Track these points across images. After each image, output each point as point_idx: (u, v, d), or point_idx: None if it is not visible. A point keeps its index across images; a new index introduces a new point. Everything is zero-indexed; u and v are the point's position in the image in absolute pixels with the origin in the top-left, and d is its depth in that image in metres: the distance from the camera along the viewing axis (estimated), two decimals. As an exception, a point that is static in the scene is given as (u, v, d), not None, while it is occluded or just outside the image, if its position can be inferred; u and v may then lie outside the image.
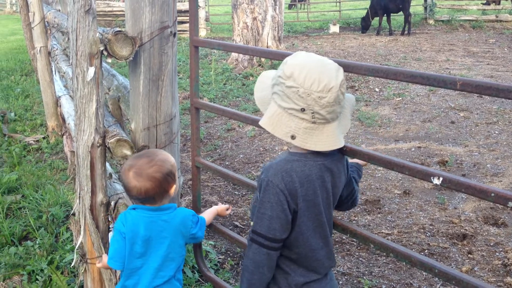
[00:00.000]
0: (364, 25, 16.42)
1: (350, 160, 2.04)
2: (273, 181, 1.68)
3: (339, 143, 1.69)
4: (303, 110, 1.62)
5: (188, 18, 2.62)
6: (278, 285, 1.82)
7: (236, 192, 4.81)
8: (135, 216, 2.14)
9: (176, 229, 2.16)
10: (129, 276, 2.18)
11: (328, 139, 1.67)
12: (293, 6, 25.30)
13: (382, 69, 1.67)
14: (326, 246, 1.84)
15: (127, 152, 2.39)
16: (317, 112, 1.62)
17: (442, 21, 17.75)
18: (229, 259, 3.64)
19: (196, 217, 2.27)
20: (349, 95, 1.79)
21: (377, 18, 16.22)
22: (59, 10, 5.96)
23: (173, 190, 2.16)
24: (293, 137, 1.65)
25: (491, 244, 3.82)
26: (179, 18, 14.14)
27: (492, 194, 1.44)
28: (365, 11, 16.82)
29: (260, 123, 1.70)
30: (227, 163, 5.59)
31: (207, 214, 2.48)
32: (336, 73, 1.64)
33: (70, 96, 5.15)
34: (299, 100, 1.61)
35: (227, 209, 2.57)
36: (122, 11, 16.42)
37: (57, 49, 5.67)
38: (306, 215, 1.73)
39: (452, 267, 3.52)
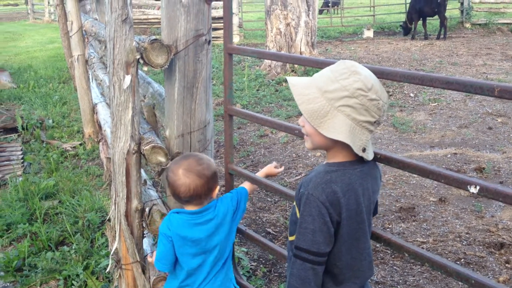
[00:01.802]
0: (404, 29, 16.24)
1: None
2: (314, 194, 1.65)
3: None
4: (375, 122, 1.63)
5: (221, 24, 2.65)
6: None
7: (268, 199, 4.81)
8: (180, 219, 2.20)
9: (222, 221, 2.24)
10: (191, 275, 2.26)
11: (371, 146, 1.73)
12: (324, 11, 25.25)
13: (417, 76, 1.64)
14: (368, 255, 1.81)
15: (162, 159, 2.42)
16: (379, 122, 1.66)
17: (479, 24, 17.40)
18: (261, 266, 3.64)
19: (235, 199, 2.36)
20: None
21: (419, 23, 16.00)
22: (96, 19, 6.09)
23: (216, 191, 2.22)
24: (364, 150, 1.66)
25: (531, 253, 3.72)
26: (213, 25, 14.29)
27: (532, 204, 1.41)
28: (400, 15, 16.64)
29: (337, 137, 1.62)
30: (260, 169, 5.58)
31: (248, 185, 2.56)
32: None
33: (107, 103, 5.25)
34: (376, 113, 1.62)
35: (276, 167, 2.63)
36: (157, 18, 16.67)
37: (94, 57, 5.79)
38: (349, 224, 1.70)
39: (489, 277, 3.44)
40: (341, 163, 1.71)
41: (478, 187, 1.52)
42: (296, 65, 10.46)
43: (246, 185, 2.54)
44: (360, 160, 1.72)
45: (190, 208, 2.20)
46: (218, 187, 2.22)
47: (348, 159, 1.70)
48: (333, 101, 1.61)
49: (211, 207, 2.22)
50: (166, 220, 2.23)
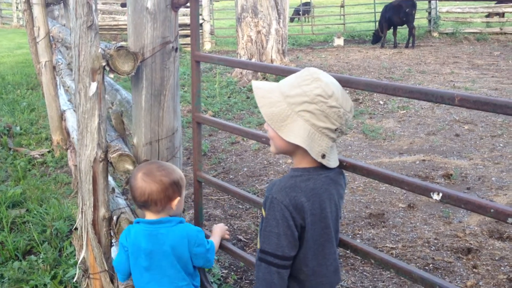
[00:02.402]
0: (375, 37, 16.49)
1: None
2: (277, 198, 1.66)
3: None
4: (336, 129, 1.65)
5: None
6: None
7: (240, 206, 4.80)
8: (137, 230, 2.17)
9: (176, 243, 2.13)
10: None
11: (336, 154, 1.76)
12: (295, 19, 25.47)
13: (380, 84, 1.67)
14: (334, 261, 1.82)
15: (129, 167, 2.39)
16: (342, 131, 1.67)
17: (447, 33, 17.79)
18: (232, 273, 3.63)
19: (202, 237, 2.21)
20: None
21: (389, 31, 16.28)
22: (64, 25, 6.02)
23: (175, 202, 2.16)
24: (323, 156, 1.67)
25: (496, 258, 3.79)
26: (185, 32, 14.23)
27: (492, 210, 1.44)
28: (369, 24, 16.88)
29: (294, 141, 1.64)
30: (231, 176, 5.59)
31: (215, 239, 2.44)
32: None
33: (75, 110, 5.18)
34: (337, 120, 1.63)
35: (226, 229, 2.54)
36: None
37: (62, 63, 5.71)
38: (314, 229, 1.70)
39: (457, 282, 3.50)
40: (306, 169, 1.72)
41: (441, 194, 1.55)
42: (268, 74, 10.51)
43: (215, 238, 2.44)
44: (325, 166, 1.73)
45: (149, 215, 2.18)
46: (179, 199, 2.17)
47: (313, 165, 1.72)
48: (293, 106, 1.63)
49: (171, 222, 2.15)
50: (125, 230, 2.22)
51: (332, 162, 1.72)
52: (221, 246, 2.57)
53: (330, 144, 1.67)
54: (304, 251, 1.72)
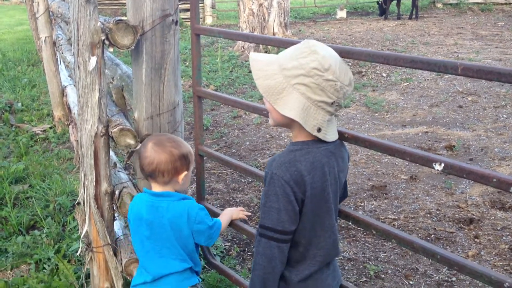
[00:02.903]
0: (381, 9, 16.23)
1: None
2: (278, 173, 1.66)
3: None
4: (333, 103, 1.62)
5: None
6: (281, 279, 1.78)
7: (242, 180, 4.82)
8: (141, 199, 2.20)
9: (176, 218, 2.13)
10: (143, 257, 2.22)
11: (335, 128, 1.74)
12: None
13: (382, 55, 1.65)
14: (333, 233, 1.82)
15: (131, 141, 2.39)
16: (340, 105, 1.65)
17: (451, 4, 17.57)
18: (235, 246, 3.66)
19: (203, 214, 2.18)
20: None
21: (393, 3, 16.04)
22: (64, 0, 5.95)
23: (182, 176, 2.16)
24: (319, 130, 1.65)
25: (498, 228, 3.81)
26: (186, 6, 14.11)
27: (494, 180, 1.43)
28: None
29: (288, 114, 1.62)
30: (234, 150, 5.59)
31: (223, 218, 2.39)
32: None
33: (75, 85, 5.16)
34: (333, 94, 1.60)
35: (242, 211, 2.49)
36: (128, -1, 16.37)
37: (62, 39, 5.67)
38: (314, 202, 1.70)
39: (458, 252, 3.52)
40: (305, 142, 1.71)
41: (442, 164, 1.54)
42: (269, 46, 10.43)
43: (223, 217, 2.38)
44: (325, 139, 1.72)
45: (155, 187, 2.18)
46: (186, 173, 2.16)
47: (312, 138, 1.70)
48: (289, 79, 1.62)
49: (173, 197, 2.15)
50: (132, 201, 2.24)
51: (329, 135, 1.70)
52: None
53: (327, 117, 1.65)
54: (303, 223, 1.73)
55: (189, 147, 2.22)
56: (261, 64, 1.69)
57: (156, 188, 2.18)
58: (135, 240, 2.24)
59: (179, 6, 2.38)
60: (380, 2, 16.18)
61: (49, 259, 3.36)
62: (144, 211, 2.16)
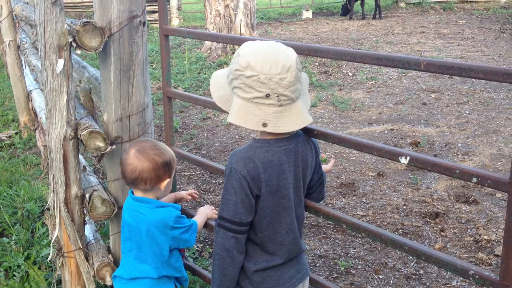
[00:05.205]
0: (344, 10, 16.40)
1: None
2: (236, 168, 1.73)
3: (308, 119, 1.74)
4: (268, 95, 1.64)
5: (157, 7, 2.62)
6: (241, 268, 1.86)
7: (213, 181, 4.83)
8: (127, 201, 2.23)
9: (152, 225, 2.12)
10: (124, 255, 2.25)
11: (298, 117, 1.70)
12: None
13: (348, 52, 1.70)
14: (292, 231, 1.87)
15: (100, 144, 2.38)
16: (282, 94, 1.64)
17: (413, 3, 17.91)
18: (207, 247, 3.67)
19: (179, 220, 2.16)
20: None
21: (357, 3, 16.24)
22: (27, 3, 5.86)
23: (164, 184, 2.16)
24: (264, 125, 1.67)
25: (463, 221, 3.92)
26: (152, 8, 14.02)
27: (457, 171, 1.49)
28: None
29: (228, 119, 1.71)
30: (204, 152, 5.60)
31: (199, 218, 2.37)
32: (288, 52, 1.68)
33: (41, 90, 5.09)
34: (261, 87, 1.63)
35: (213, 210, 2.49)
36: (92, 2, 16.17)
37: (26, 42, 5.58)
38: (269, 199, 1.77)
39: (425, 245, 3.61)
40: (266, 140, 1.77)
41: (408, 158, 1.59)
42: (236, 47, 10.45)
43: (198, 217, 2.37)
44: (287, 138, 1.77)
45: (137, 193, 2.19)
46: (168, 181, 2.17)
47: (274, 136, 1.76)
48: (230, 86, 1.73)
49: (151, 204, 2.14)
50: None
51: (283, 127, 1.68)
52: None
53: (271, 110, 1.66)
54: (259, 218, 1.80)
55: (171, 153, 2.22)
56: (217, 78, 1.80)
57: (138, 193, 2.19)
58: (121, 237, 2.27)
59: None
60: (345, 3, 16.38)
61: (19, 266, 3.31)
62: (126, 213, 2.20)
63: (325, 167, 2.12)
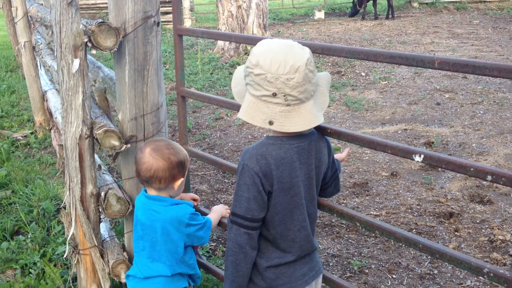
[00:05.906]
0: (352, 10, 16.38)
1: None
2: (248, 164, 1.75)
3: (318, 120, 1.72)
4: (274, 94, 1.65)
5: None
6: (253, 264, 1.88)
7: (226, 180, 4.84)
8: (139, 199, 2.25)
9: (167, 222, 2.14)
10: (137, 254, 2.26)
11: (306, 118, 1.70)
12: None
13: (362, 51, 1.70)
14: (304, 229, 1.88)
15: (115, 142, 2.40)
16: (289, 94, 1.65)
17: (427, 3, 17.82)
18: (220, 245, 3.69)
19: (194, 217, 2.18)
20: (323, 72, 1.82)
21: (369, 3, 16.19)
22: (42, 4, 5.92)
23: (178, 183, 2.18)
24: (271, 123, 1.69)
25: (477, 221, 3.89)
26: (164, 9, 14.08)
27: (472, 169, 1.49)
28: (350, -4, 16.83)
29: (239, 115, 1.74)
30: (216, 151, 5.62)
31: (213, 215, 2.42)
32: (301, 53, 1.67)
33: (56, 90, 5.14)
34: (268, 86, 1.65)
35: (227, 209, 2.52)
36: (106, 3, 16.29)
37: (41, 43, 5.64)
38: (281, 196, 1.79)
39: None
40: (279, 137, 1.79)
41: (422, 156, 1.59)
42: (249, 47, 10.47)
43: (213, 215, 2.41)
44: (300, 136, 1.78)
45: (150, 191, 2.21)
46: (182, 180, 2.19)
47: (286, 134, 1.77)
48: (245, 82, 1.76)
49: (165, 202, 2.17)
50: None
51: (289, 126, 1.69)
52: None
53: (278, 109, 1.67)
54: (271, 215, 1.81)
55: (185, 152, 2.24)
56: (237, 72, 1.84)
57: (151, 192, 2.21)
58: (134, 236, 2.28)
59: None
60: (354, 3, 16.33)
61: (35, 263, 3.35)
62: (139, 212, 2.21)
63: (339, 155, 2.14)
